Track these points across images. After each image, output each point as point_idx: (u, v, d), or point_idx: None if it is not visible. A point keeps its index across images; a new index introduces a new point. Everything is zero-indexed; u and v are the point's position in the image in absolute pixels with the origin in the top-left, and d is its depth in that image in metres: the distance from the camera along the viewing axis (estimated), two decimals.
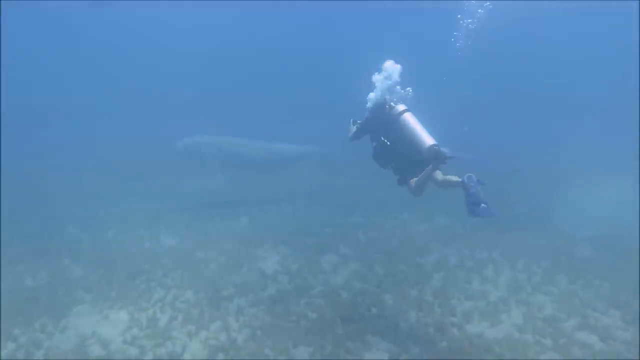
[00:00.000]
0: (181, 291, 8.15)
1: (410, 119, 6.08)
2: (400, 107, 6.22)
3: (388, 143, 6.21)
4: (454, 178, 5.84)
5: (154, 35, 35.23)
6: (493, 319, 7.29)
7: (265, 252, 9.84)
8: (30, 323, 7.00)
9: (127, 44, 34.87)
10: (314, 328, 7.07)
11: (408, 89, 6.42)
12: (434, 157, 5.71)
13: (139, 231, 10.98)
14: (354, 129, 6.76)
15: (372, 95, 6.56)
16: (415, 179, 6.03)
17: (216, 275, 8.77)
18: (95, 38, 34.75)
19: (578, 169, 14.81)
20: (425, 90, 6.80)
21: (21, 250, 9.67)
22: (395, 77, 6.39)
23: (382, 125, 6.35)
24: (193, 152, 14.03)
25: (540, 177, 14.81)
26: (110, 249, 9.84)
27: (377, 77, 6.50)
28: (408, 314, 7.49)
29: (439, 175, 5.95)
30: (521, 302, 7.74)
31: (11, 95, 25.43)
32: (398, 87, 6.42)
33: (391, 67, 6.38)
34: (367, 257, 9.60)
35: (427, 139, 5.84)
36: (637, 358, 6.50)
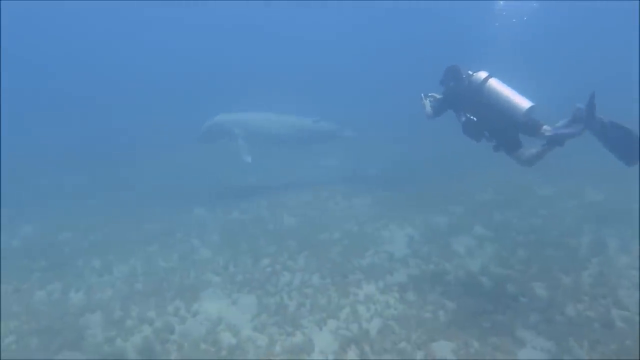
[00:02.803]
0: (307, 275, 7.78)
1: (496, 85, 5.71)
2: (482, 74, 5.85)
3: (475, 119, 5.88)
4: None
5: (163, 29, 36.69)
6: None
7: (391, 234, 9.19)
8: (164, 305, 7.03)
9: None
10: (454, 320, 6.30)
11: None
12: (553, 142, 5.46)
13: (262, 212, 10.89)
14: (428, 104, 6.40)
15: None
16: (530, 150, 5.71)
17: (342, 258, 8.30)
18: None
19: None
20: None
21: (153, 231, 9.97)
22: None
23: (465, 97, 5.97)
24: (221, 131, 12.90)
25: None
26: (236, 230, 9.81)
27: None
28: (565, 306, 6.42)
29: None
30: None
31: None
32: None
33: None
34: (507, 238, 8.57)
35: (523, 102, 5.51)
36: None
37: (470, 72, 6.01)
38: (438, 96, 6.51)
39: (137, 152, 17.34)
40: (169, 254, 8.81)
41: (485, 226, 9.14)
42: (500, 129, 5.77)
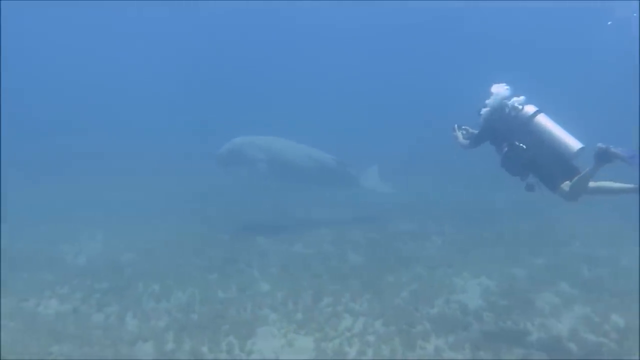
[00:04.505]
0: (370, 320, 7.19)
1: (546, 121, 5.64)
2: (530, 108, 5.77)
3: (524, 147, 5.66)
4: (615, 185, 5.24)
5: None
6: None
7: (464, 282, 8.47)
8: (218, 341, 6.67)
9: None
10: None
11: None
12: (601, 157, 4.97)
13: (325, 246, 10.46)
14: (460, 134, 6.49)
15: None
16: (568, 182, 5.40)
17: (409, 304, 7.66)
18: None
19: None
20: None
21: (215, 258, 9.76)
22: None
23: (509, 130, 5.86)
24: (237, 155, 12.28)
25: None
26: (297, 264, 9.41)
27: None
28: None
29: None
30: None
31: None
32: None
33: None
34: (598, 300, 7.61)
35: (573, 143, 5.43)
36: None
37: (517, 105, 5.89)
38: (471, 130, 6.45)
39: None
40: (228, 284, 8.50)
41: (572, 284, 8.21)
42: (545, 164, 5.57)
